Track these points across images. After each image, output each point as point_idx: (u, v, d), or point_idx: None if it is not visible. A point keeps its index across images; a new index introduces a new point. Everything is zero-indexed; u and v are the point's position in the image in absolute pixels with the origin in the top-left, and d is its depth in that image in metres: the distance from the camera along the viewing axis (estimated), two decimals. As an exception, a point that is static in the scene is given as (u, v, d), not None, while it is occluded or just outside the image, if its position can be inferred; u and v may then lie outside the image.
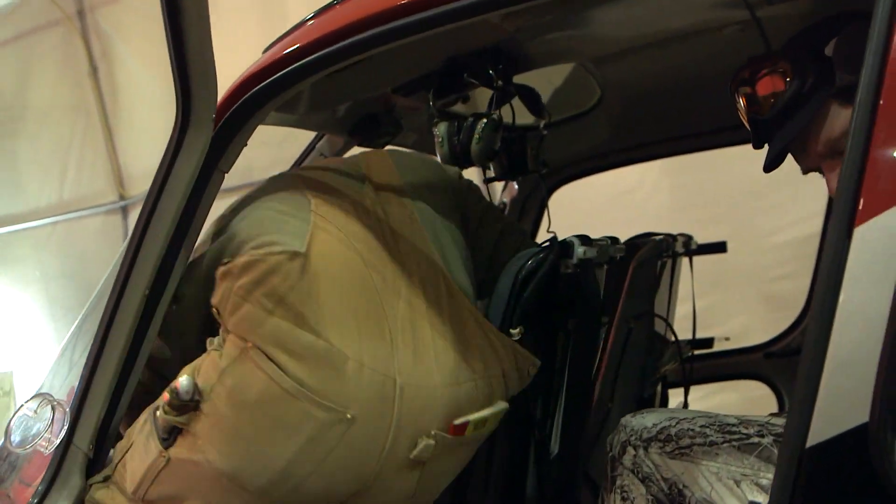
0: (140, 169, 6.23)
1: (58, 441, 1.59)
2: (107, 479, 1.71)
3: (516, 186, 2.92)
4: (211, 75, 1.54)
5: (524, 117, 2.36)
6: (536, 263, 1.58)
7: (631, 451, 1.61)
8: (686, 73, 2.37)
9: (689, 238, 2.59)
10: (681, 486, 1.53)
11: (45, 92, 6.67)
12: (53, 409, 1.57)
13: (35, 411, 1.54)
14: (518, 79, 2.36)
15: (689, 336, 2.74)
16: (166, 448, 1.61)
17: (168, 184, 1.61)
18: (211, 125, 1.60)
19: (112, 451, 1.74)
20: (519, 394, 1.64)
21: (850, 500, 1.03)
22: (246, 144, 1.73)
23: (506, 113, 2.10)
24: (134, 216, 6.49)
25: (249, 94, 1.64)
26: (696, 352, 2.87)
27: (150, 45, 5.36)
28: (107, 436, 1.69)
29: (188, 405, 1.55)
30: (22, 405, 1.54)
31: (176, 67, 1.49)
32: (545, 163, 2.22)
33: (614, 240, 1.91)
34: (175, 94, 1.54)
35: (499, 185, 2.94)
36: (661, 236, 2.33)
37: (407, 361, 1.59)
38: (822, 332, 1.01)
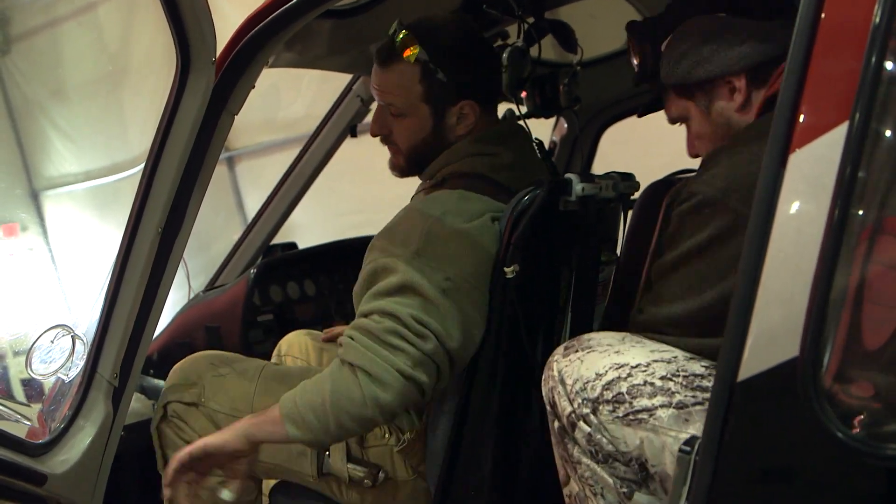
0: (245, 121, 6.34)
1: (79, 370, 1.68)
2: (192, 405, 1.89)
3: (566, 125, 2.86)
4: (205, 17, 1.57)
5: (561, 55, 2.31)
6: (529, 201, 1.56)
7: (583, 426, 1.28)
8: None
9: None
10: (643, 461, 1.23)
11: (146, 43, 6.87)
12: (73, 339, 1.66)
13: (52, 341, 1.62)
14: (558, 14, 2.30)
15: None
16: (319, 476, 1.82)
17: (174, 125, 1.66)
18: (211, 66, 1.63)
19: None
20: (516, 334, 1.62)
21: (779, 433, 1.00)
22: (254, 86, 1.77)
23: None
24: (240, 167, 6.70)
25: (250, 34, 1.67)
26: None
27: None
28: (132, 367, 1.79)
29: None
30: (40, 335, 1.62)
31: (168, 13, 1.53)
32: (578, 99, 2.17)
33: (626, 176, 1.86)
34: (172, 40, 1.58)
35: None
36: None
37: None
38: (754, 267, 0.98)
